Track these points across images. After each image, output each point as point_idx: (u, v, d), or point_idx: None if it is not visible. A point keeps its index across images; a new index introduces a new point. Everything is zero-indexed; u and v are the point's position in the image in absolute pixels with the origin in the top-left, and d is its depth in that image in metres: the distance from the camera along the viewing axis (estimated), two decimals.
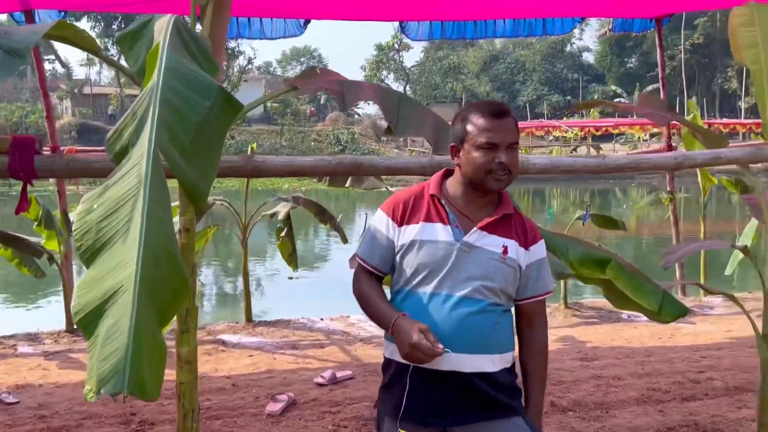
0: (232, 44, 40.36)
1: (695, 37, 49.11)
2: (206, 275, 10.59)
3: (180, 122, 1.65)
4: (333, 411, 3.93)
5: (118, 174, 1.57)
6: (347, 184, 6.13)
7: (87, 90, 46.23)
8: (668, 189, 6.61)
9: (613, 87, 53.67)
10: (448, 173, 1.99)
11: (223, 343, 5.53)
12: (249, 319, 6.18)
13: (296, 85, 2.66)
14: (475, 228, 1.84)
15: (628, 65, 57.38)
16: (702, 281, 6.33)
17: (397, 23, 6.00)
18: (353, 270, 2.00)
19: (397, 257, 1.88)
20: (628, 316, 6.29)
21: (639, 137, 36.69)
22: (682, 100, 43.82)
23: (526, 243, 1.90)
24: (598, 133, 33.66)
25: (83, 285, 1.44)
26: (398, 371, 1.84)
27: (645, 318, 6.17)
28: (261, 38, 5.75)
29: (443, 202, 1.87)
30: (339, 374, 4.52)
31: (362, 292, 1.91)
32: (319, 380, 4.42)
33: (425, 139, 2.68)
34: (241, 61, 43.24)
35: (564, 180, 30.80)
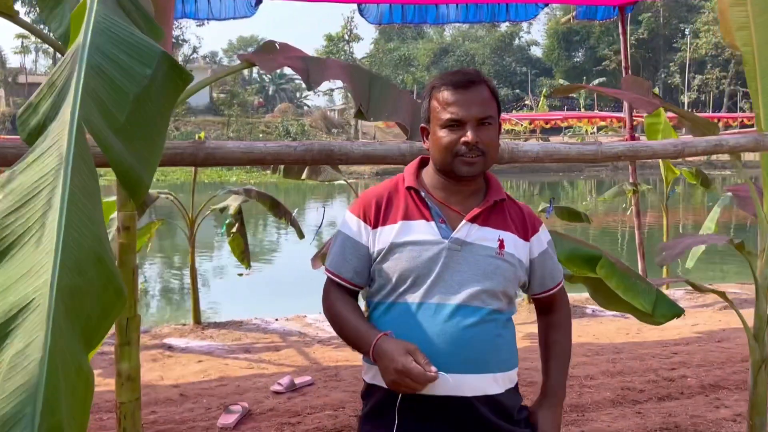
0: (176, 32, 39.19)
1: (640, 32, 50.26)
2: (150, 273, 10.06)
3: (113, 94, 1.31)
4: (292, 422, 3.60)
5: (31, 156, 1.21)
6: (303, 176, 5.79)
7: (22, 79, 44.27)
8: (631, 181, 6.50)
9: (561, 81, 54.44)
10: (424, 162, 1.69)
11: (170, 348, 5.13)
12: (197, 320, 5.78)
13: (253, 61, 2.32)
14: (464, 221, 1.55)
15: (575, 59, 58.36)
16: (664, 275, 6.24)
17: (355, 6, 5.67)
18: (320, 275, 1.71)
19: (374, 265, 1.57)
20: (593, 311, 6.15)
21: (586, 130, 37.27)
22: None
23: (525, 233, 1.63)
24: (548, 126, 34.03)
25: None
26: (383, 400, 1.53)
27: (610, 313, 6.07)
28: (209, 18, 5.35)
29: (423, 194, 1.58)
30: (297, 380, 4.20)
31: (335, 311, 1.59)
32: (276, 388, 4.08)
33: (401, 125, 2.38)
34: (186, 50, 42.02)
35: (514, 173, 30.99)
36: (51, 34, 1.83)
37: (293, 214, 5.95)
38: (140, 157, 1.33)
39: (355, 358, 4.78)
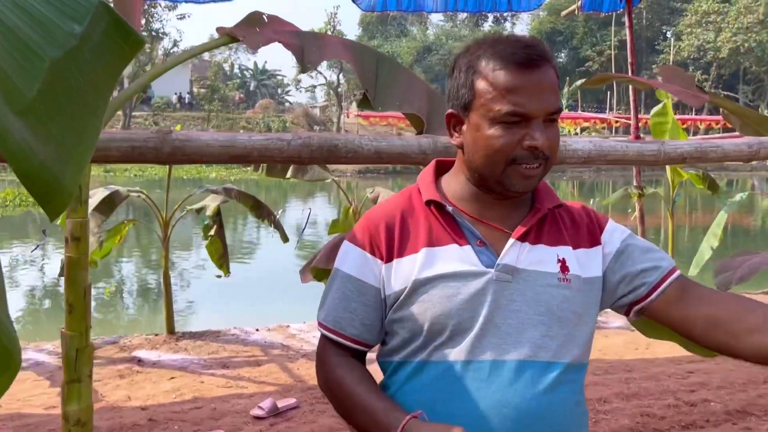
0: (156, 24, 38.42)
1: (623, 34, 50.35)
2: (119, 276, 9.52)
3: (18, 57, 0.87)
4: None
5: None
6: (288, 175, 5.35)
7: None
8: (635, 184, 6.15)
9: None
10: (442, 167, 1.25)
11: (139, 361, 4.65)
12: (171, 330, 5.30)
13: (235, 35, 1.88)
14: (510, 240, 1.13)
15: (558, 59, 58.25)
16: None
17: None
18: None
19: (391, 314, 1.14)
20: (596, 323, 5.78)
21: (569, 131, 37.09)
22: (612, 94, 44.82)
23: (590, 238, 1.19)
24: None
25: None
26: None
27: (615, 324, 5.70)
28: (187, 1, 4.88)
29: (450, 209, 1.15)
30: (280, 403, 3.76)
31: (336, 384, 1.15)
32: (257, 412, 3.64)
33: (416, 115, 1.96)
34: (166, 43, 41.18)
35: None
36: None
37: (277, 216, 5.50)
38: (59, 150, 0.88)
39: None
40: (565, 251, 1.16)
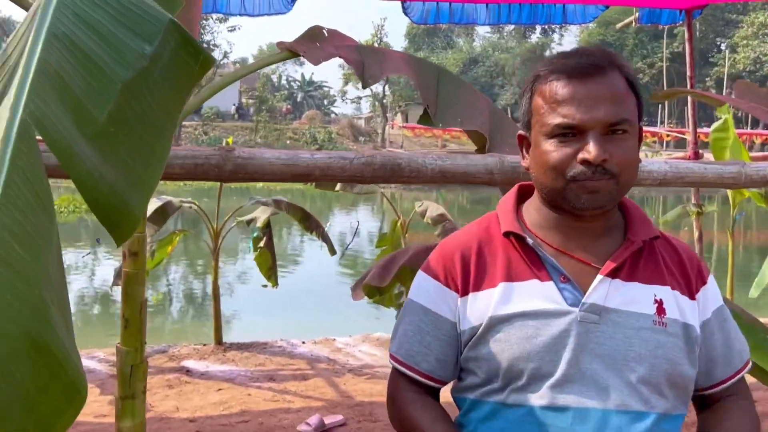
0: (207, 36, 39.26)
1: (675, 46, 49.27)
2: (168, 285, 9.65)
3: (89, 79, 0.84)
4: None
5: None
6: (337, 187, 5.33)
7: None
8: (694, 201, 5.94)
9: None
10: (525, 192, 1.17)
11: (188, 372, 4.68)
12: (219, 341, 5.32)
13: (296, 50, 1.86)
14: (599, 276, 1.04)
15: None
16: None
17: (385, 16, 5.22)
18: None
19: (466, 351, 1.07)
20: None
21: None
22: (663, 107, 43.87)
23: (689, 287, 1.10)
24: None
25: None
26: None
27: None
28: (241, 14, 4.91)
29: (530, 242, 1.07)
30: (327, 420, 3.72)
31: (409, 421, 1.09)
32: (304, 428, 3.60)
33: (479, 132, 1.89)
34: (216, 55, 42.05)
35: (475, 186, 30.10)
36: None
37: (325, 228, 5.49)
38: (127, 174, 0.85)
39: None
40: (663, 291, 1.06)
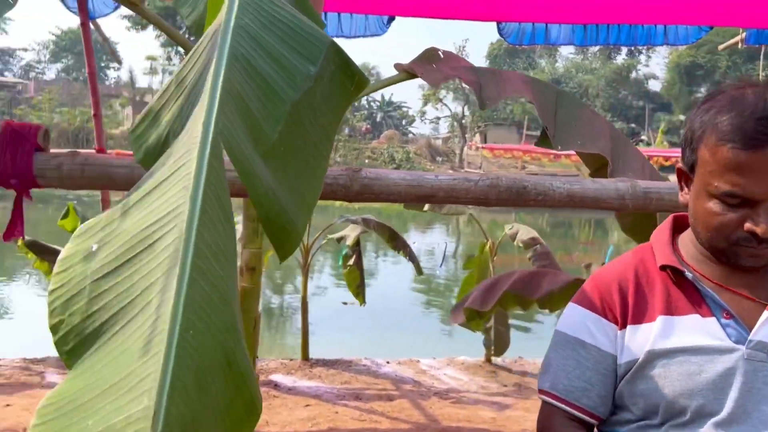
0: None
1: None
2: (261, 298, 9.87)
3: (264, 99, 0.87)
4: None
5: (146, 187, 0.77)
6: (425, 207, 5.32)
7: (149, 98, 47.06)
8: None
9: (681, 116, 51.66)
10: (680, 223, 1.13)
11: (276, 386, 4.76)
12: (306, 357, 5.39)
13: (414, 72, 1.87)
14: (766, 313, 0.99)
15: (697, 94, 55.26)
16: None
17: (468, 36, 5.21)
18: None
19: (622, 385, 1.04)
20: None
21: None
22: None
23: None
24: (667, 164, 32.04)
25: (45, 412, 0.67)
26: None
27: None
28: (337, 36, 5.03)
29: (690, 276, 1.03)
30: None
31: None
32: None
33: (594, 155, 1.85)
34: None
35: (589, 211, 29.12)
36: (183, 28, 1.46)
37: (411, 248, 5.49)
38: (293, 194, 0.87)
39: (481, 419, 4.21)
40: None
